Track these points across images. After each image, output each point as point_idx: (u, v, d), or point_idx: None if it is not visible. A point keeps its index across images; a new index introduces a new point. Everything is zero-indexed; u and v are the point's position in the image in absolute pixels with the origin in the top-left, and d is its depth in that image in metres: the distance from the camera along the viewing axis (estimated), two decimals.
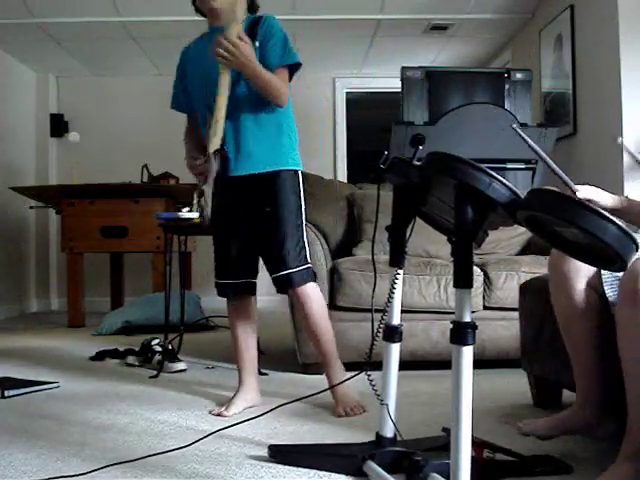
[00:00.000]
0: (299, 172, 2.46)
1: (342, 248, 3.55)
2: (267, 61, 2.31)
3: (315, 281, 2.47)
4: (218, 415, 2.29)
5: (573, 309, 1.79)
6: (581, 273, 1.78)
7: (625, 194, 3.58)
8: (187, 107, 2.59)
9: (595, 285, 1.78)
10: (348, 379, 1.91)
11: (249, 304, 2.52)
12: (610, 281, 1.72)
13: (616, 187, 3.71)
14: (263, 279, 2.50)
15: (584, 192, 1.69)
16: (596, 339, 1.78)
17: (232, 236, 2.46)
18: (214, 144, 2.28)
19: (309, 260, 2.46)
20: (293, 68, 2.39)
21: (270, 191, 2.39)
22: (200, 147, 2.42)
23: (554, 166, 1.68)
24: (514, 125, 1.84)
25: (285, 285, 2.41)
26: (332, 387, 2.34)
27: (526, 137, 1.57)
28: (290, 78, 2.40)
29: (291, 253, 2.39)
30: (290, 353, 3.33)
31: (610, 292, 1.72)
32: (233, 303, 2.51)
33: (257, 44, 2.32)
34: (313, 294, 2.45)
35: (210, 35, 2.41)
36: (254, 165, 2.38)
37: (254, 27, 2.37)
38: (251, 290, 2.52)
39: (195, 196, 3.73)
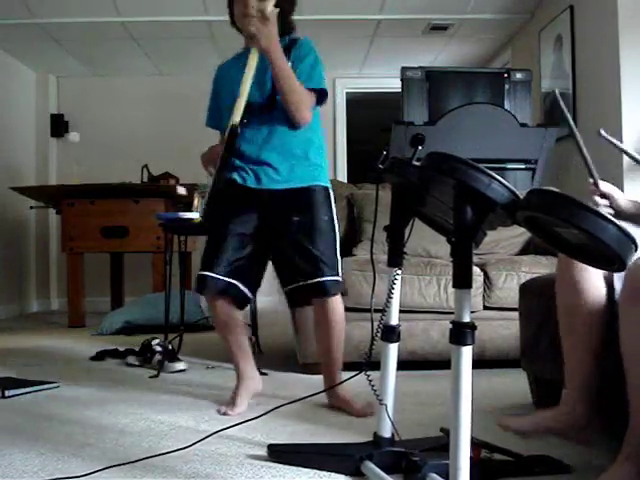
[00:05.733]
0: (329, 189, 2.46)
1: (342, 248, 3.54)
2: None
3: (341, 293, 2.45)
4: (224, 414, 2.30)
5: (583, 301, 1.73)
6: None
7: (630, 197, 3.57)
8: (220, 124, 2.49)
9: (608, 278, 1.74)
10: (348, 379, 1.91)
11: (233, 313, 2.42)
12: (620, 275, 1.70)
13: (616, 187, 3.71)
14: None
15: (605, 186, 1.76)
16: (601, 335, 1.73)
17: (248, 240, 2.38)
18: (233, 119, 2.26)
19: (340, 272, 2.42)
20: (321, 96, 2.37)
21: (305, 204, 2.37)
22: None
23: (586, 154, 1.69)
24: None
25: (318, 293, 2.36)
26: (332, 387, 2.34)
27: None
28: (319, 104, 2.39)
29: (329, 262, 2.36)
30: (290, 353, 3.33)
31: (619, 287, 1.70)
32: (211, 301, 2.39)
33: (289, 64, 2.31)
34: (339, 307, 2.42)
35: (244, 55, 2.38)
36: (289, 180, 2.37)
37: (290, 49, 2.37)
38: (240, 300, 2.40)
39: (195, 195, 3.74)
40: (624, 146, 1.85)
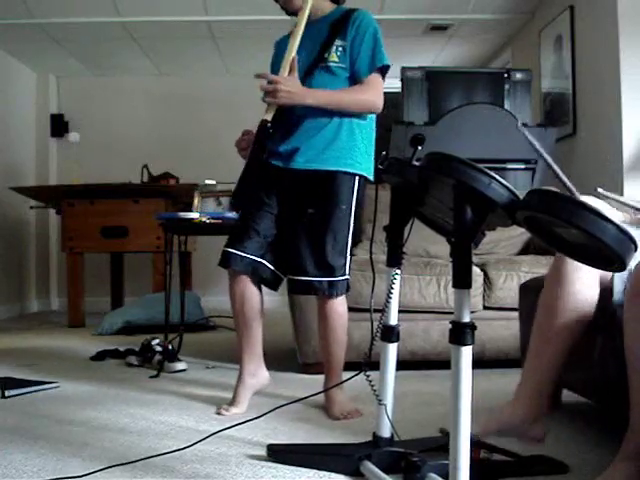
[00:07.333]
0: (357, 176, 2.32)
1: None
2: (357, 68, 2.28)
3: (347, 293, 2.38)
4: (219, 414, 2.30)
5: (571, 303, 1.72)
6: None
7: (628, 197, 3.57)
8: None
9: (605, 281, 1.73)
10: (348, 379, 1.91)
11: (253, 300, 2.37)
12: (622, 276, 1.70)
13: (616, 187, 3.71)
14: None
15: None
16: (580, 338, 1.73)
17: (277, 220, 2.35)
18: (265, 115, 2.22)
19: (348, 271, 2.36)
20: (385, 69, 2.31)
21: (324, 192, 2.30)
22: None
23: (558, 171, 1.67)
24: (519, 126, 1.85)
25: (316, 293, 2.32)
26: (331, 388, 2.34)
27: (532, 139, 1.56)
28: (383, 78, 2.33)
29: (334, 262, 2.29)
30: (290, 353, 3.33)
31: (619, 288, 1.70)
32: (235, 276, 2.34)
33: (346, 43, 2.27)
34: (341, 308, 2.37)
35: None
36: (312, 161, 2.31)
37: (344, 21, 2.30)
38: (271, 280, 2.36)
39: (195, 195, 3.74)
40: (622, 198, 1.85)
